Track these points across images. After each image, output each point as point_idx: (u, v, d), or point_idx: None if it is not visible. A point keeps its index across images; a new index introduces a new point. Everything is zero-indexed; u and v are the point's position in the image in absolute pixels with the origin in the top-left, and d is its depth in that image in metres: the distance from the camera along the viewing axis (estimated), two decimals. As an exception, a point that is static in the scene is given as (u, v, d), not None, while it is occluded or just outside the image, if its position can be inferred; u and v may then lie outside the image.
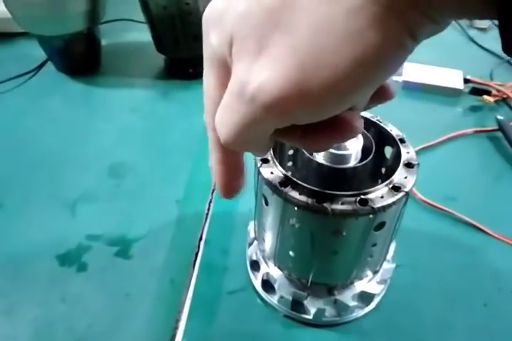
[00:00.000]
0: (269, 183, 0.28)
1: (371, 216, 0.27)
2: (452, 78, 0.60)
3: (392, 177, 0.28)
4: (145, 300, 0.37)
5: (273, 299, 0.36)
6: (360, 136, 0.30)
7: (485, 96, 0.58)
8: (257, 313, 0.36)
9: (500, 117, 0.53)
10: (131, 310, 0.36)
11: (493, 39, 0.72)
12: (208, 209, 0.44)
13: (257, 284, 0.37)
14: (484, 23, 0.77)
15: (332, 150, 0.29)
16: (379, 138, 0.33)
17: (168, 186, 0.47)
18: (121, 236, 0.41)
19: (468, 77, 0.60)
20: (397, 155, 0.30)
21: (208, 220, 0.43)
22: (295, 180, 0.27)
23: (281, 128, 0.18)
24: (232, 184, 0.24)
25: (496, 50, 0.69)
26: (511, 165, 0.49)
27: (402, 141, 0.31)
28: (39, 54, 0.63)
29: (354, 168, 0.29)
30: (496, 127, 0.53)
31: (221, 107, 0.18)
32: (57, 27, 0.56)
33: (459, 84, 0.59)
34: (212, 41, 0.18)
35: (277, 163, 0.29)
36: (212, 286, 0.38)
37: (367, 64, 0.15)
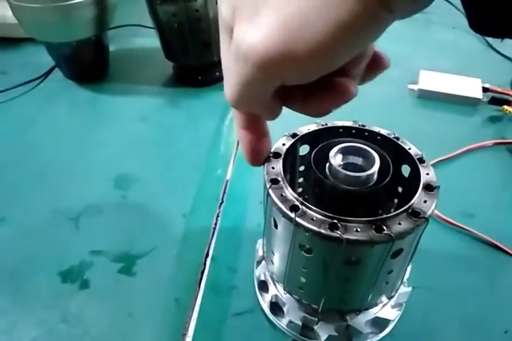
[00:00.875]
0: (278, 207, 0.26)
1: (388, 243, 0.25)
2: (470, 87, 0.58)
3: (412, 201, 0.26)
4: (148, 320, 0.35)
5: (282, 323, 0.34)
6: (376, 156, 0.28)
7: (505, 107, 0.55)
8: (264, 337, 0.34)
9: (521, 129, 0.51)
10: (134, 331, 0.35)
11: (512, 45, 0.70)
12: (216, 224, 0.43)
13: (265, 306, 0.35)
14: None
15: (347, 172, 0.27)
16: (396, 156, 0.31)
17: (175, 199, 0.45)
18: (125, 252, 0.40)
19: (487, 85, 0.58)
20: (416, 175, 0.28)
21: (215, 236, 0.42)
22: (307, 204, 0.26)
23: (282, 92, 0.20)
24: (256, 149, 0.26)
25: (516, 56, 0.67)
26: (533, 180, 0.47)
27: (421, 160, 0.29)
28: (47, 60, 0.62)
29: (371, 191, 0.28)
30: (516, 139, 0.51)
31: (224, 69, 0.21)
32: (65, 34, 0.55)
33: (478, 93, 0.57)
34: (222, 12, 0.20)
35: (287, 185, 0.27)
36: (219, 307, 0.36)
37: (345, 30, 0.16)
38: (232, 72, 0.20)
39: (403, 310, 0.35)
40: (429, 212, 0.26)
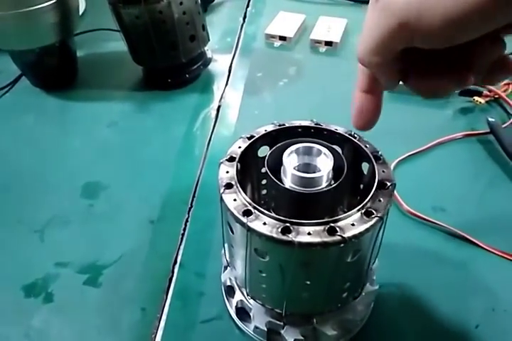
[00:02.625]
0: (231, 212, 0.26)
1: (342, 245, 0.24)
2: (441, 79, 0.58)
3: (365, 200, 0.25)
4: (114, 332, 0.35)
5: (249, 328, 0.34)
6: (330, 155, 0.28)
7: (476, 97, 0.55)
8: (233, 344, 0.34)
9: (491, 119, 0.51)
10: (100, 344, 0.34)
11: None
12: (184, 230, 0.42)
13: (232, 312, 0.35)
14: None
15: (299, 173, 0.27)
16: (355, 154, 0.30)
17: (143, 205, 0.45)
18: (91, 263, 0.39)
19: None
20: (373, 173, 0.28)
21: (184, 241, 0.41)
22: (259, 208, 0.25)
23: (407, 63, 0.22)
24: (368, 114, 0.26)
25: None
26: (504, 171, 0.46)
27: (377, 158, 0.28)
28: (14, 68, 0.61)
29: (324, 191, 0.27)
30: (487, 130, 0.50)
31: (364, 26, 0.21)
32: (27, 41, 0.54)
33: (448, 85, 0.57)
34: None
35: (241, 189, 0.26)
36: (187, 315, 0.36)
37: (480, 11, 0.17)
38: (372, 23, 0.21)
39: (372, 310, 0.34)
40: (383, 211, 0.25)
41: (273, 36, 0.68)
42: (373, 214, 0.25)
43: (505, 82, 0.56)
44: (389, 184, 0.26)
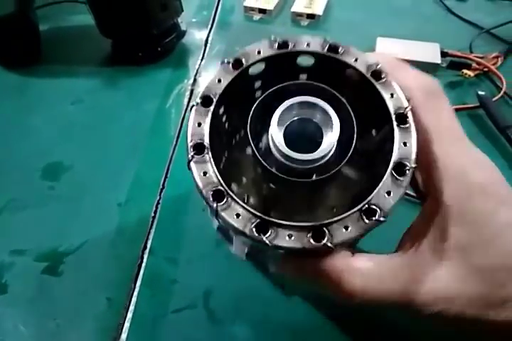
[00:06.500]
0: (199, 189, 0.20)
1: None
2: (428, 52, 0.55)
3: (371, 195, 0.19)
4: (76, 325, 0.31)
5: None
6: (336, 121, 0.20)
7: (464, 71, 0.52)
8: (204, 334, 0.31)
9: (481, 92, 0.48)
10: (59, 338, 0.31)
11: (472, 9, 0.66)
12: (155, 212, 0.39)
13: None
14: (462, -8, 0.71)
15: (290, 153, 0.19)
16: (368, 106, 0.21)
17: (110, 187, 0.41)
18: (51, 250, 0.36)
19: (445, 50, 0.55)
20: (388, 145, 0.20)
21: (155, 225, 0.38)
22: (232, 195, 0.19)
23: None
24: None
25: (476, 20, 0.63)
26: (495, 146, 0.44)
27: (401, 119, 0.20)
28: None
29: (319, 180, 0.20)
30: (477, 104, 0.48)
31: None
32: (-21, 10, 0.49)
33: (436, 58, 0.53)
34: None
35: (212, 158, 0.20)
36: (157, 304, 0.33)
37: None
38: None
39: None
40: (389, 210, 0.19)
41: (252, 9, 0.64)
42: (375, 214, 0.19)
43: (495, 54, 0.54)
44: (408, 166, 0.19)
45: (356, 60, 0.21)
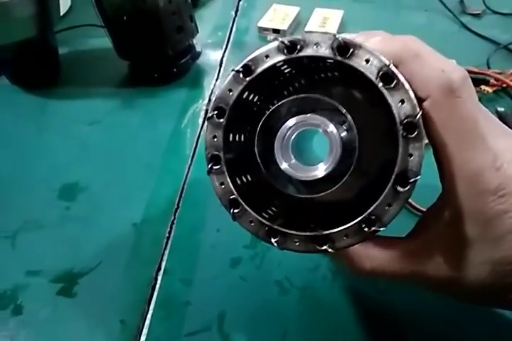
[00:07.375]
0: (218, 198, 0.23)
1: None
2: (444, 68, 0.54)
3: (373, 206, 0.19)
4: (89, 348, 0.31)
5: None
6: (338, 140, 0.19)
7: (483, 87, 0.51)
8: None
9: (500, 109, 0.47)
10: (73, 362, 0.30)
11: (487, 25, 0.66)
12: (170, 233, 0.38)
13: None
14: (477, 8, 0.70)
15: (293, 173, 0.21)
16: (375, 110, 0.21)
17: (125, 207, 0.41)
18: (66, 271, 0.35)
19: (463, 66, 0.54)
20: (392, 156, 0.19)
21: (169, 245, 0.37)
22: (244, 205, 0.22)
23: None
24: None
25: (492, 36, 0.63)
26: (517, 163, 0.42)
27: (409, 127, 0.18)
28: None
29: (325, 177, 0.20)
30: (496, 120, 0.47)
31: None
32: (1, 35, 0.51)
33: (453, 75, 0.53)
34: None
35: (225, 169, 0.22)
36: (170, 326, 0.32)
37: None
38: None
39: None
40: (387, 222, 0.20)
41: (266, 29, 0.65)
42: (375, 225, 0.20)
43: (513, 70, 0.53)
44: (412, 179, 0.19)
45: (368, 60, 0.19)
